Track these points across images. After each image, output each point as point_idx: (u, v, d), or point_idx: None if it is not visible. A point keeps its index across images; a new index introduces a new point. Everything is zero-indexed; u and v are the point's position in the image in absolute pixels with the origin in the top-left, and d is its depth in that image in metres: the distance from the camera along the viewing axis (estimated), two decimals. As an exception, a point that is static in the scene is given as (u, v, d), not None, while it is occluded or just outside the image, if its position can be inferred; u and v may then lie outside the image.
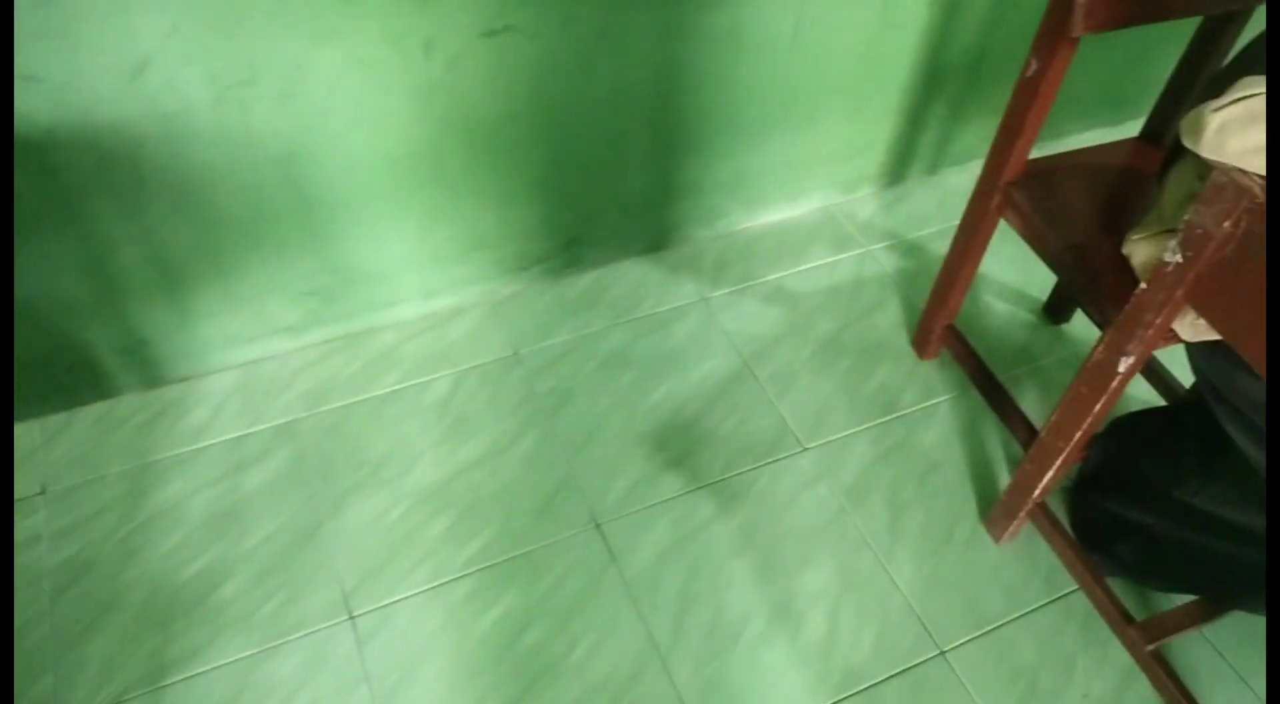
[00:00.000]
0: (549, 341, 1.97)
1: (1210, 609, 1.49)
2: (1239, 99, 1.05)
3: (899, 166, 2.35)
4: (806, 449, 1.83)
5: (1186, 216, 1.17)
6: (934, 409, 1.92)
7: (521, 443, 1.80)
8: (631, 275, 2.12)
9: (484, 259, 1.96)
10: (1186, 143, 1.12)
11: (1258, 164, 1.05)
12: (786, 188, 2.21)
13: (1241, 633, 1.58)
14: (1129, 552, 1.60)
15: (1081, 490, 1.71)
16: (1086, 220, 1.56)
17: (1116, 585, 1.65)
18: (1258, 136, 1.04)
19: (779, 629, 1.57)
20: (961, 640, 1.58)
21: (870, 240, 2.25)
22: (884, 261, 2.21)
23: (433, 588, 1.59)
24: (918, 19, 1.97)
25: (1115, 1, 1.38)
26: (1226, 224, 1.11)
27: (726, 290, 2.11)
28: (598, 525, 1.69)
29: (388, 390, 1.87)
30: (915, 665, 1.55)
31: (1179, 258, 1.19)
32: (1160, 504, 1.52)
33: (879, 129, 2.19)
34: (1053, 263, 1.57)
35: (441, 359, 1.92)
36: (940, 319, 1.91)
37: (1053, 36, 1.43)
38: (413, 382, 1.88)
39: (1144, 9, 1.39)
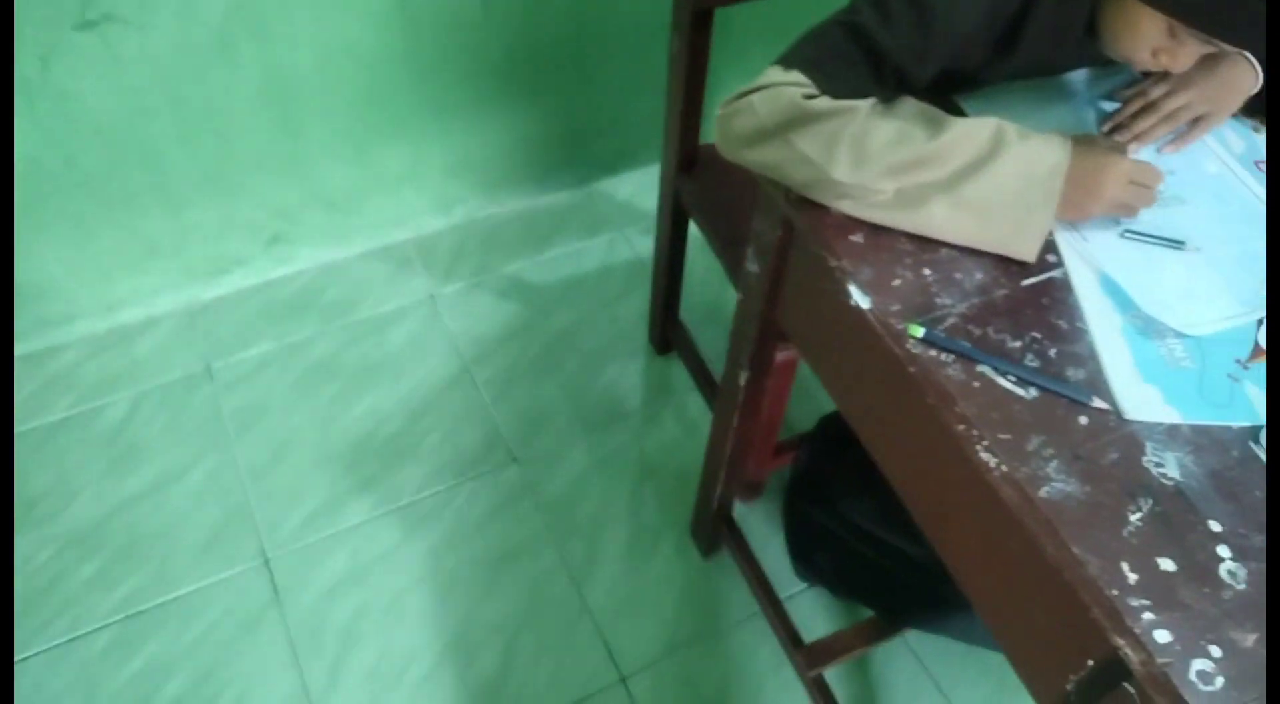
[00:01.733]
0: (247, 353, 1.82)
1: (884, 629, 1.39)
2: (750, 91, 0.91)
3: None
4: (515, 461, 1.70)
5: (753, 222, 1.04)
6: (661, 409, 1.79)
7: (195, 471, 1.65)
8: (353, 273, 1.96)
9: (168, 266, 1.79)
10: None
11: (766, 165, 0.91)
12: (531, 168, 2.06)
13: (950, 647, 1.49)
14: (826, 561, 1.50)
15: (790, 495, 1.60)
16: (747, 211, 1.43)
17: (824, 598, 1.55)
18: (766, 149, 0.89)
19: (447, 666, 1.46)
20: (647, 665, 1.48)
21: (626, 222, 2.11)
22: (638, 246, 2.07)
23: (68, 641, 1.45)
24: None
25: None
26: (779, 233, 0.98)
27: (459, 285, 1.96)
28: (266, 561, 1.55)
29: (58, 417, 1.71)
30: (591, 696, 1.44)
31: (756, 267, 1.06)
32: (838, 514, 1.41)
33: (632, 104, 2.04)
34: (720, 259, 1.43)
35: (121, 379, 1.76)
36: (665, 310, 1.78)
37: (684, 10, 1.28)
38: (86, 407, 1.72)
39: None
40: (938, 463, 0.83)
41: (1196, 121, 1.00)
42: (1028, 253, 0.87)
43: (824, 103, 0.88)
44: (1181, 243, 0.91)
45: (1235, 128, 1.04)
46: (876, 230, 0.90)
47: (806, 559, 1.54)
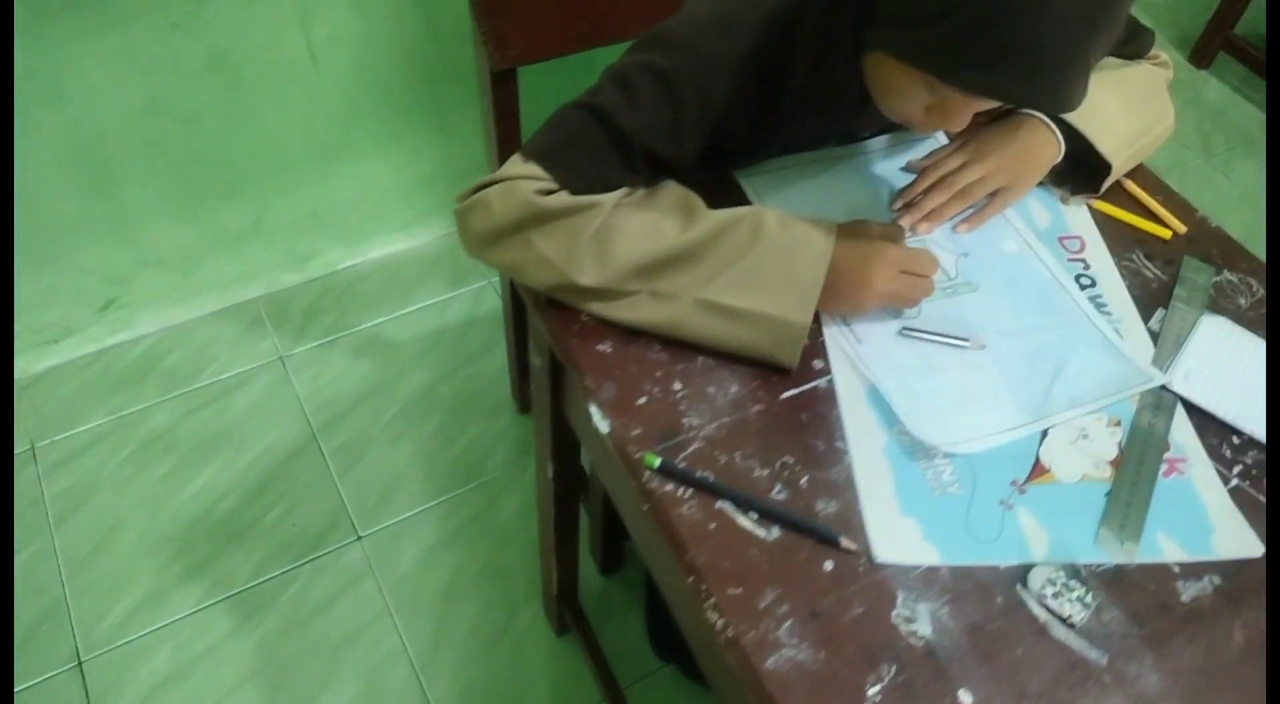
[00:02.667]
0: (76, 430, 1.70)
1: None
2: (486, 185, 0.81)
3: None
4: (360, 538, 1.60)
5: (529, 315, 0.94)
6: (521, 472, 1.70)
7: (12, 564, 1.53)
8: (198, 336, 1.84)
9: (-14, 340, 1.67)
10: None
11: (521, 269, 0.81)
12: (390, 217, 1.95)
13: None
14: (679, 637, 1.41)
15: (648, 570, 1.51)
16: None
17: (681, 680, 1.46)
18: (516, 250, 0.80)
19: (272, 774, 1.35)
20: (490, 762, 1.38)
21: (493, 271, 2.01)
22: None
23: None
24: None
25: (529, 37, 1.13)
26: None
27: (312, 345, 1.85)
28: (80, 663, 1.44)
29: None
30: (422, 801, 1.35)
31: (538, 360, 0.97)
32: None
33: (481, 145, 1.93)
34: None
35: (-66, 465, 1.64)
36: (522, 366, 1.69)
37: (484, 71, 1.18)
38: (-107, 496, 1.60)
39: (566, 39, 1.15)
40: (683, 607, 0.75)
41: (995, 195, 0.92)
42: (788, 359, 0.78)
43: (562, 199, 0.79)
44: (965, 340, 0.82)
45: (1042, 199, 0.96)
46: (629, 337, 0.81)
47: (662, 636, 1.45)
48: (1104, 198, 0.96)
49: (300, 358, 1.83)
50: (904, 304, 0.83)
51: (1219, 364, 0.82)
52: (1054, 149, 0.93)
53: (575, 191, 0.80)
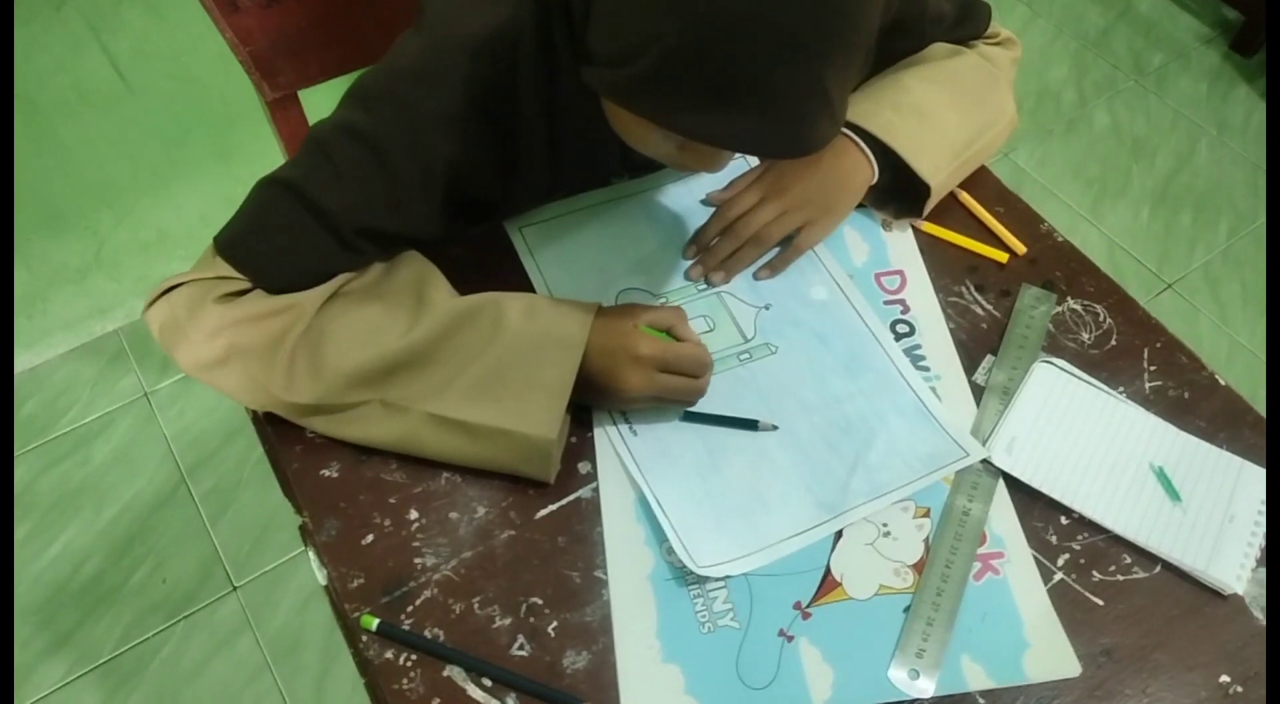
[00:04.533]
0: (-75, 496, 1.59)
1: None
2: (174, 287, 0.68)
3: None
4: (236, 588, 1.51)
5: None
6: (405, 501, 1.59)
7: None
8: (55, 380, 1.72)
9: None
10: None
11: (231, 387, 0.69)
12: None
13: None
14: None
15: None
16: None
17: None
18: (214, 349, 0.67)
19: None
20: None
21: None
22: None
23: None
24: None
25: (296, 64, 0.99)
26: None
27: (176, 377, 1.73)
28: (-61, 755, 1.36)
29: None
30: None
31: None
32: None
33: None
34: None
35: None
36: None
37: (262, 98, 1.04)
38: None
39: (331, 65, 1.01)
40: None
41: (800, 232, 0.79)
42: (540, 474, 0.67)
43: (251, 303, 0.67)
44: (754, 422, 0.71)
45: (862, 227, 0.84)
46: (363, 455, 0.69)
47: None
48: (934, 218, 0.83)
49: (165, 393, 1.71)
50: (683, 401, 0.71)
51: (1049, 426, 0.71)
52: (866, 171, 0.80)
53: (272, 289, 0.67)
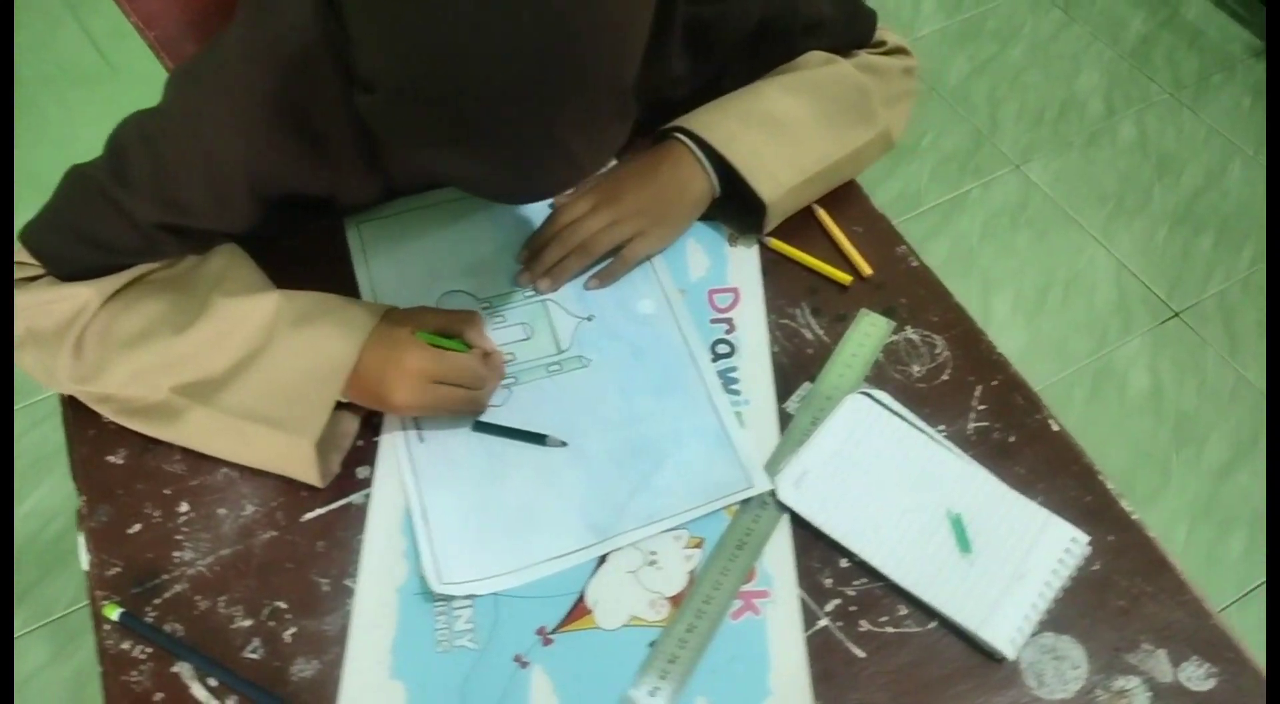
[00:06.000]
0: (-86, 449, 1.67)
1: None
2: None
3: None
4: (184, 558, 1.55)
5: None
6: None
7: None
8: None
9: None
10: None
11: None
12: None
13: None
14: None
15: None
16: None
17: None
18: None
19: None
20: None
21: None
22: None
23: None
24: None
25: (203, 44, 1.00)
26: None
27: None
28: (-108, 695, 1.43)
29: None
30: None
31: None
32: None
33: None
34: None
35: None
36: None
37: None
38: None
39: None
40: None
41: (631, 243, 0.77)
42: (306, 475, 0.66)
43: (43, 290, 0.68)
44: (543, 437, 0.69)
45: (706, 241, 0.80)
46: (151, 445, 0.70)
47: None
48: (785, 235, 0.79)
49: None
50: (469, 412, 0.69)
51: (847, 462, 0.67)
52: (704, 184, 0.77)
53: (65, 277, 0.68)
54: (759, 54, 0.80)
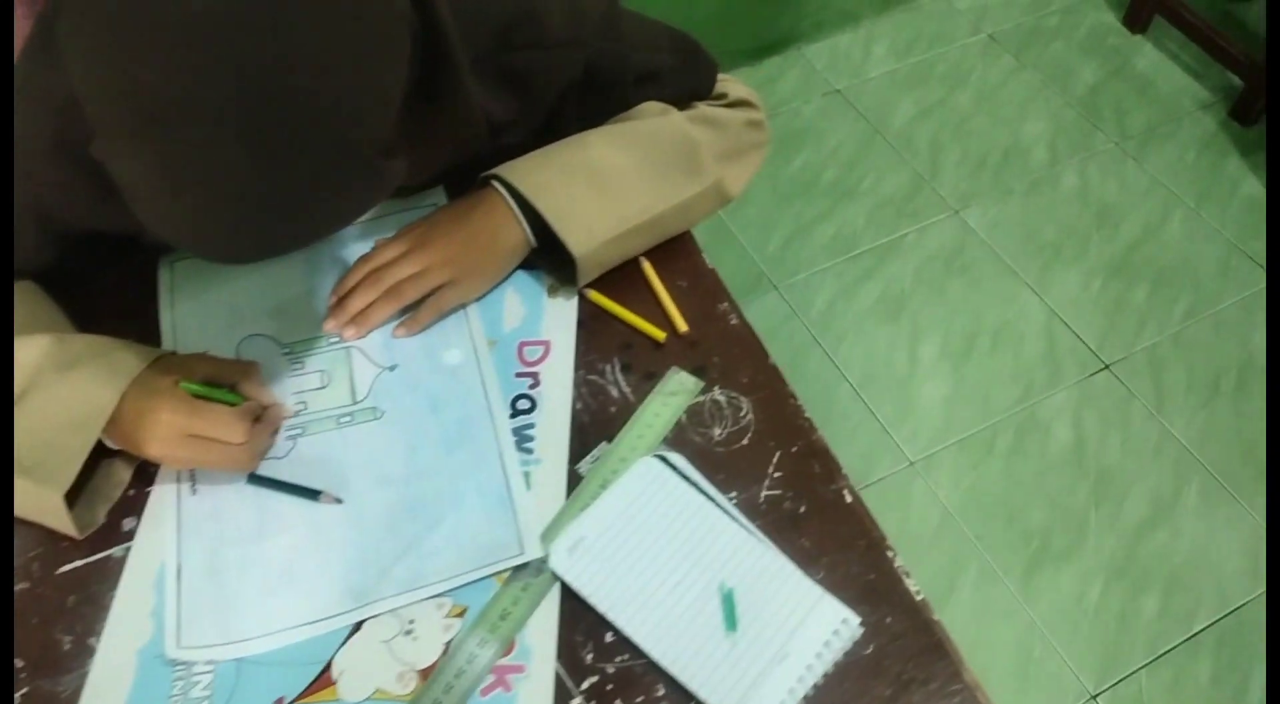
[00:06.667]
0: None
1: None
2: None
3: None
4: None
5: None
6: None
7: None
8: None
9: None
10: None
11: None
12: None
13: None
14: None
15: None
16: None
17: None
18: None
19: None
20: None
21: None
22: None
23: None
24: None
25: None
26: None
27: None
28: None
29: None
30: None
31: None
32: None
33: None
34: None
35: None
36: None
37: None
38: None
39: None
40: None
41: (440, 291, 0.74)
42: (63, 524, 0.64)
43: None
44: (316, 493, 0.66)
45: (526, 289, 0.78)
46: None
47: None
48: (605, 287, 0.77)
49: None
50: (235, 469, 0.67)
51: (627, 529, 0.64)
52: (517, 234, 0.75)
53: None
54: (590, 102, 0.78)
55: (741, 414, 0.71)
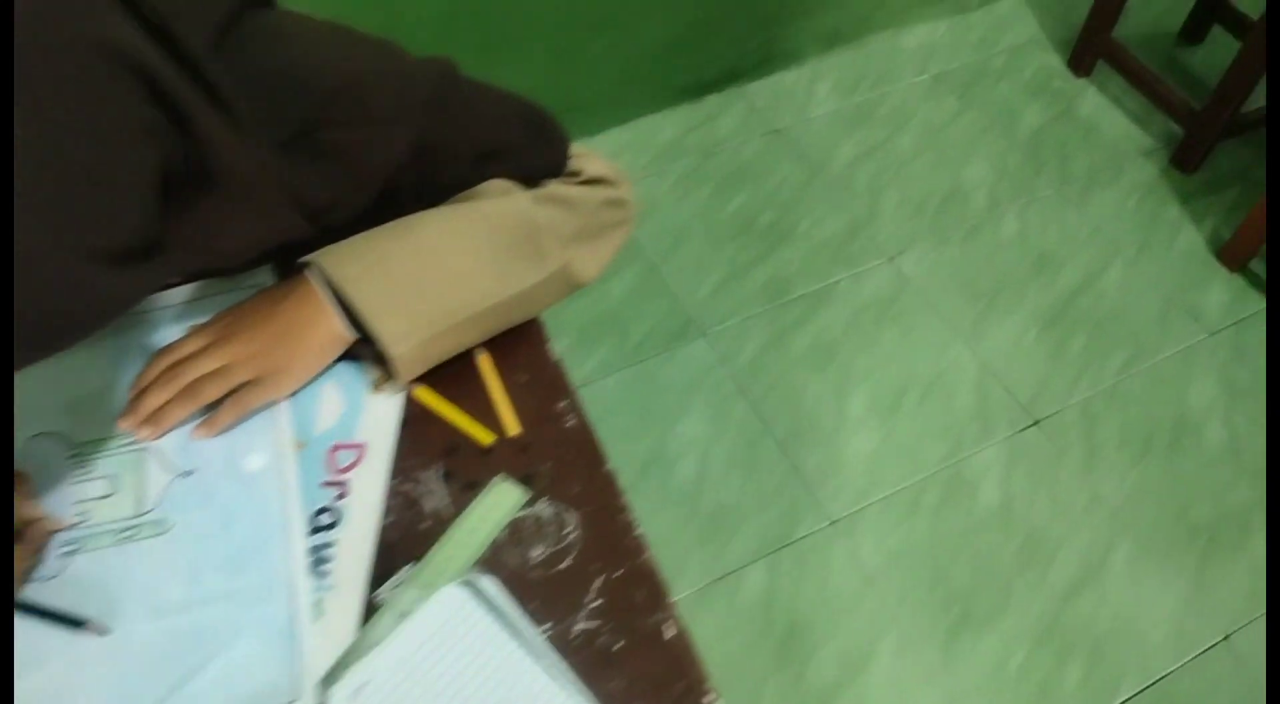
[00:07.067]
0: None
1: None
2: None
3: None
4: None
5: None
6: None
7: None
8: None
9: None
10: None
11: None
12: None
13: None
14: None
15: None
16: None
17: None
18: None
19: None
20: None
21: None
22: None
23: None
24: None
25: None
26: None
27: None
28: None
29: None
30: None
31: None
32: None
33: None
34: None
35: None
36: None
37: None
38: None
39: None
40: None
41: (246, 388, 0.68)
42: None
43: None
44: (82, 622, 0.60)
45: (348, 385, 0.72)
46: None
47: None
48: (437, 381, 0.71)
49: None
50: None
51: (419, 670, 0.58)
52: (333, 325, 0.68)
53: None
54: (426, 182, 0.72)
55: (566, 531, 0.65)
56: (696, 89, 2.23)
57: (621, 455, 1.68)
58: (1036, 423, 1.73)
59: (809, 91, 2.27)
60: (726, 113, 2.22)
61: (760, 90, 2.27)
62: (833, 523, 1.60)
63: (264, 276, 0.76)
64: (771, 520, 1.61)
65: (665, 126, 2.19)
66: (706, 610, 1.51)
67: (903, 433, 1.71)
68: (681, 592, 1.52)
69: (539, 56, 1.96)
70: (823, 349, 1.82)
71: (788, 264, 1.95)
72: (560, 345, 1.83)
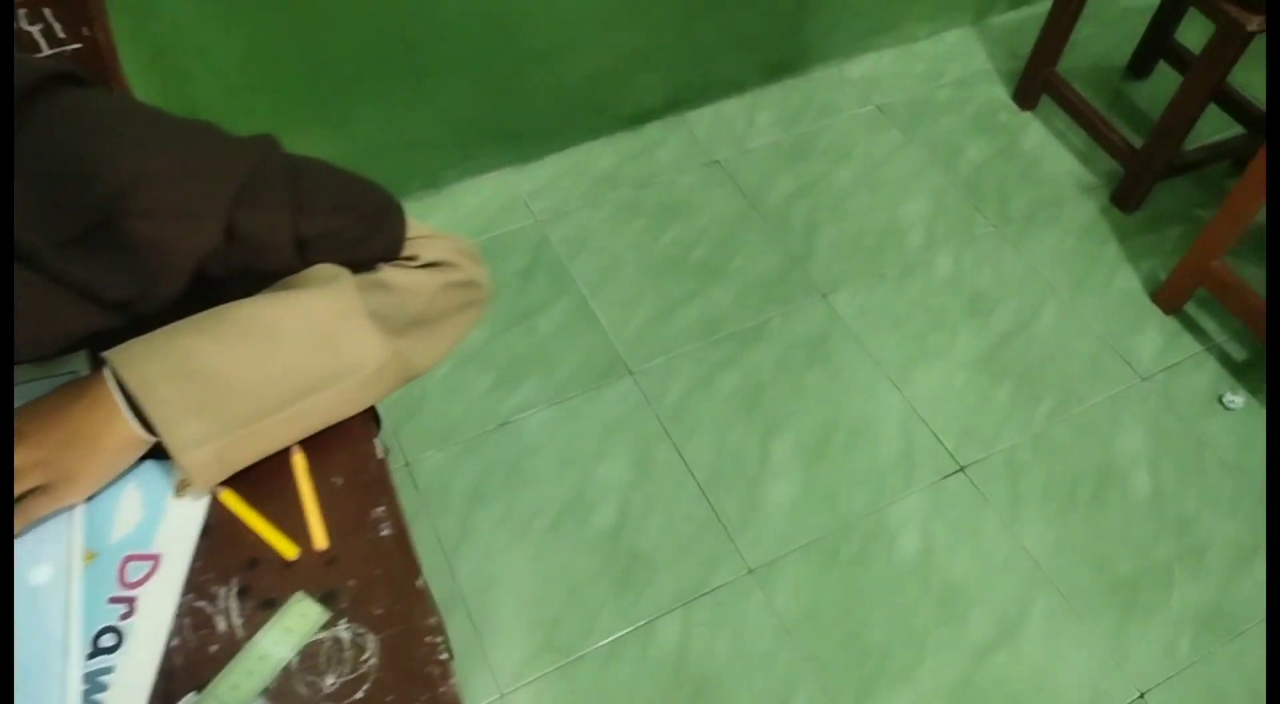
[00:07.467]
0: None
1: None
2: None
3: None
4: None
5: None
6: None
7: None
8: None
9: None
10: None
11: None
12: None
13: None
14: None
15: None
16: None
17: None
18: None
19: None
20: None
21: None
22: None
23: None
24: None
25: None
26: None
27: None
28: None
29: None
30: None
31: None
32: None
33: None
34: None
35: None
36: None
37: None
38: None
39: None
40: None
41: (33, 495, 0.64)
42: None
43: None
44: None
45: (148, 489, 0.68)
46: None
47: None
48: (245, 484, 0.67)
49: None
50: None
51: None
52: (128, 431, 0.64)
53: None
54: (245, 268, 0.68)
55: (364, 657, 0.61)
56: (635, 118, 2.20)
57: (540, 499, 1.64)
58: (962, 469, 1.70)
59: (749, 121, 2.24)
60: (666, 142, 2.19)
61: (700, 119, 2.24)
62: (750, 571, 1.57)
63: (78, 363, 0.72)
64: (689, 568, 1.57)
65: (604, 155, 2.15)
66: (618, 664, 1.47)
67: (826, 479, 1.68)
68: (593, 644, 1.49)
69: (471, 85, 1.92)
70: (750, 390, 1.79)
71: (719, 301, 1.92)
72: (485, 380, 1.80)
